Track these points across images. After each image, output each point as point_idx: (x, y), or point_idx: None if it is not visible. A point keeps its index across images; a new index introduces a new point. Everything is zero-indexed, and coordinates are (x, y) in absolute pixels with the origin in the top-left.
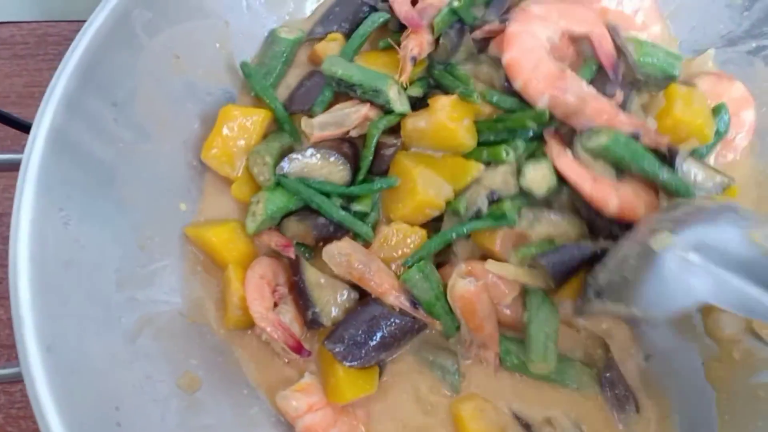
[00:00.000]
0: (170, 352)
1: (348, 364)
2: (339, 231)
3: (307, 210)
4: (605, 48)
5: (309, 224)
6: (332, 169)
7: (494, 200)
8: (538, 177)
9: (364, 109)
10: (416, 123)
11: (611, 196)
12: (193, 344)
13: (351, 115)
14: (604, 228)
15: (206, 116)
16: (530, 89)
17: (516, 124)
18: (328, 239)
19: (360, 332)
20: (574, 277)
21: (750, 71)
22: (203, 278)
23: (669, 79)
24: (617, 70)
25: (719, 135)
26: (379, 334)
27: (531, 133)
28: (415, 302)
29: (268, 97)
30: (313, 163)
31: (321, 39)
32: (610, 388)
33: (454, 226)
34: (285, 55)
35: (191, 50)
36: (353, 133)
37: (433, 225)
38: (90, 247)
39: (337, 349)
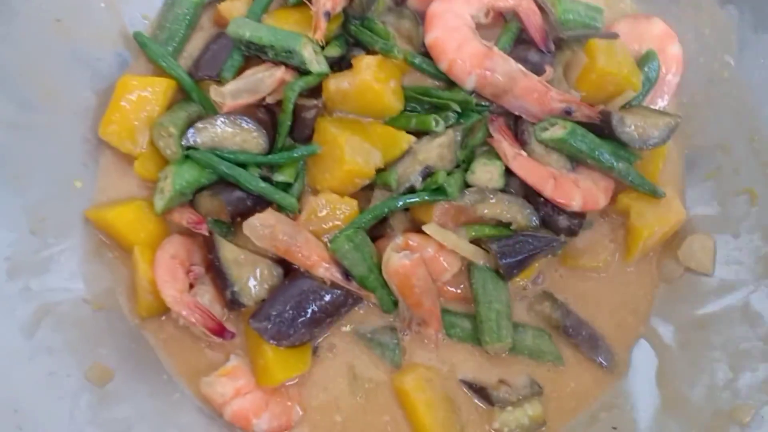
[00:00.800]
0: (75, 343)
1: (275, 343)
2: (259, 204)
3: (221, 183)
4: (534, 22)
5: (223, 199)
6: (246, 137)
7: (429, 174)
8: (485, 178)
9: (279, 73)
10: (339, 84)
11: (574, 193)
12: (101, 332)
13: (265, 80)
14: (562, 225)
15: (98, 83)
16: (456, 70)
17: (441, 104)
18: (245, 214)
19: (288, 308)
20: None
21: None
22: (112, 263)
23: (592, 30)
24: (549, 44)
25: (650, 82)
26: (309, 310)
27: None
28: (347, 273)
29: (169, 67)
30: (224, 132)
31: None
32: (575, 333)
33: (388, 200)
34: (188, 18)
35: (73, 12)
36: (269, 99)
37: (363, 193)
38: None
39: (263, 328)
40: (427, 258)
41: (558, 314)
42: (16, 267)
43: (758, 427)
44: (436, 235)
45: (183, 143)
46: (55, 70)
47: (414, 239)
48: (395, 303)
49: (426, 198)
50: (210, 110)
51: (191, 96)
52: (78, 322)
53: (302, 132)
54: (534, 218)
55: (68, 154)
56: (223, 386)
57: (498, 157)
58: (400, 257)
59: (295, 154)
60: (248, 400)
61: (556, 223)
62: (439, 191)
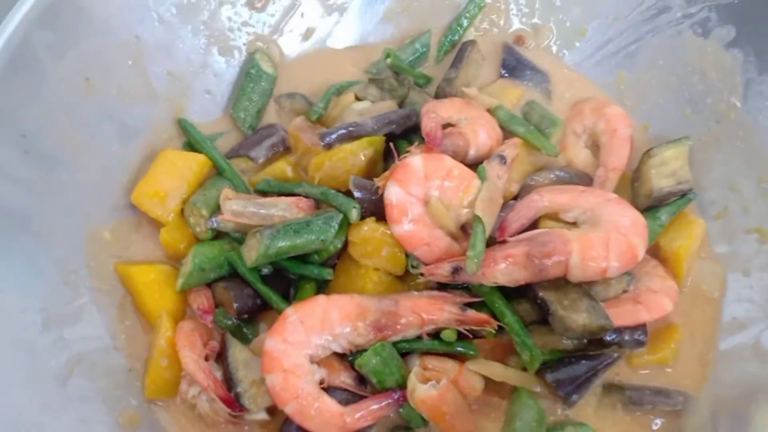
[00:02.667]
0: (106, 391)
1: None
2: (266, 307)
3: (239, 277)
4: None
5: (232, 294)
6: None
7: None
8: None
9: (289, 215)
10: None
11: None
12: (131, 380)
13: (274, 216)
14: (627, 340)
15: (126, 136)
16: None
17: None
18: (252, 313)
19: None
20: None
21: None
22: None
23: None
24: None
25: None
26: None
27: None
28: (362, 378)
29: (207, 151)
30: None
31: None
32: (639, 398)
33: (410, 341)
34: (270, 90)
35: (102, 70)
36: None
37: None
38: (10, 289)
39: None
40: (455, 379)
41: (615, 397)
42: (51, 318)
43: None
44: (482, 370)
45: (207, 225)
46: (85, 127)
47: (432, 362)
48: (425, 420)
49: (453, 349)
50: (241, 188)
51: (224, 175)
52: (108, 370)
53: None
54: (583, 339)
55: (97, 207)
56: None
57: None
58: (426, 389)
59: (310, 273)
60: None
61: (618, 342)
62: (468, 346)
